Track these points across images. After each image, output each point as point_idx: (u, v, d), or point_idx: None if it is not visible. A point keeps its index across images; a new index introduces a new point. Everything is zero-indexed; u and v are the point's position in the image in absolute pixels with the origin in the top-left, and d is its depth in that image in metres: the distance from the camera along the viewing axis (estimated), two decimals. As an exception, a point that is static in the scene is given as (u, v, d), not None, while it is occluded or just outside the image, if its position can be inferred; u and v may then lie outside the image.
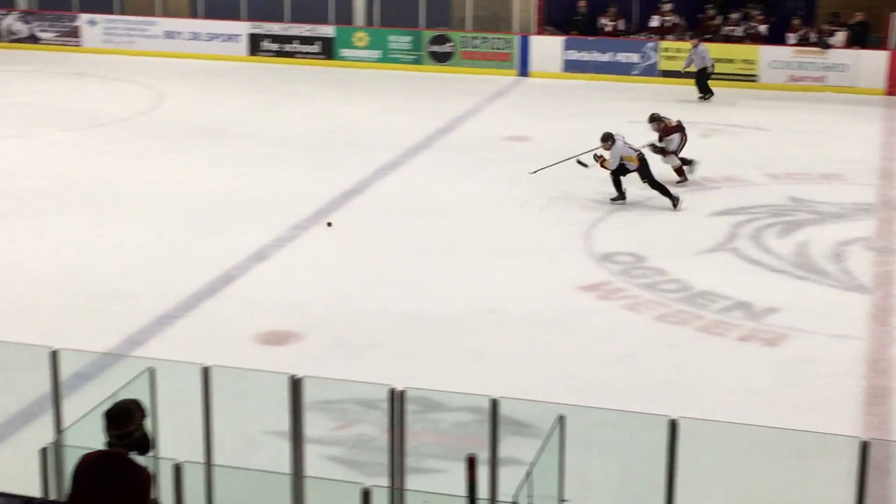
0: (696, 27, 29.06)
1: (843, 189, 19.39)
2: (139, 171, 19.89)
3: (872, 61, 27.71)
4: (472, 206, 18.03)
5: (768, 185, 19.55)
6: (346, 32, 30.86)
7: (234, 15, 31.77)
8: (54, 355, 8.28)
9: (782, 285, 14.90)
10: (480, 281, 14.91)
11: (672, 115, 20.33)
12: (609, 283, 14.82)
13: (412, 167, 20.36)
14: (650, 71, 28.78)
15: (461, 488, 7.24)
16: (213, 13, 32.09)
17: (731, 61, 28.17)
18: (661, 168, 19.01)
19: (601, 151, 18.04)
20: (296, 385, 7.83)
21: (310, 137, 22.57)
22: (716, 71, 26.85)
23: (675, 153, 19.45)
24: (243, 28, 31.32)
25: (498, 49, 29.83)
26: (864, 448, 7.39)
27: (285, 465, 7.96)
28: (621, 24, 29.73)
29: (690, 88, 26.72)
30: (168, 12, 32.67)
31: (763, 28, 28.77)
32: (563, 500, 8.33)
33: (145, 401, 7.03)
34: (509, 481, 7.69)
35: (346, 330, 13.25)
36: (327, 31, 30.92)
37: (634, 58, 28.88)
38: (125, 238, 16.34)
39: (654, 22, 29.50)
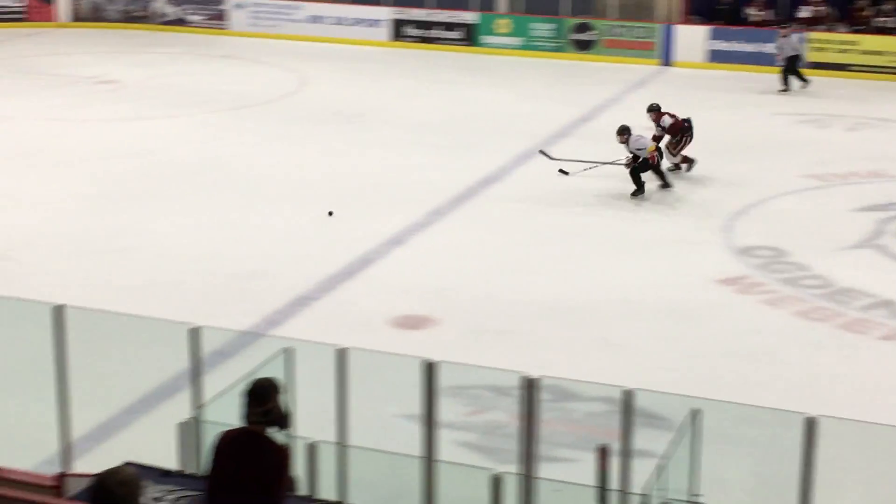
0: (847, 18, 28.39)
1: None
2: (281, 154, 20.16)
3: None
4: (610, 196, 17.89)
5: (917, 181, 19.05)
6: (489, 19, 30.86)
7: (377, 0, 31.95)
8: (195, 332, 8.42)
9: (928, 284, 14.51)
10: (616, 271, 14.80)
11: (822, 108, 19.78)
12: (748, 277, 14.59)
13: (551, 155, 20.28)
14: (797, 62, 28.19)
15: (592, 478, 7.21)
16: (357, -2, 32.38)
17: (880, 53, 27.45)
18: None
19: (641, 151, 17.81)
20: (430, 369, 7.85)
21: (450, 123, 22.64)
22: (865, 63, 26.14)
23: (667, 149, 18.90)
24: (387, 13, 31.51)
25: (641, 38, 29.54)
26: None
27: (416, 448, 7.99)
28: (768, 14, 29.18)
29: (839, 80, 26.09)
30: (313, -3, 33.03)
31: (917, 19, 28.01)
32: (696, 495, 8.22)
33: (281, 380, 7.12)
34: (641, 474, 7.62)
35: (480, 316, 13.27)
36: (470, 17, 30.95)
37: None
38: (266, 219, 16.59)
39: (804, 12, 28.88)
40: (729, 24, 29.09)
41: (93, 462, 7.24)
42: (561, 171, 18.68)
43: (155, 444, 9.13)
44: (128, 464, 6.77)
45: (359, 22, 31.69)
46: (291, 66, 28.25)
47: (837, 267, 14.93)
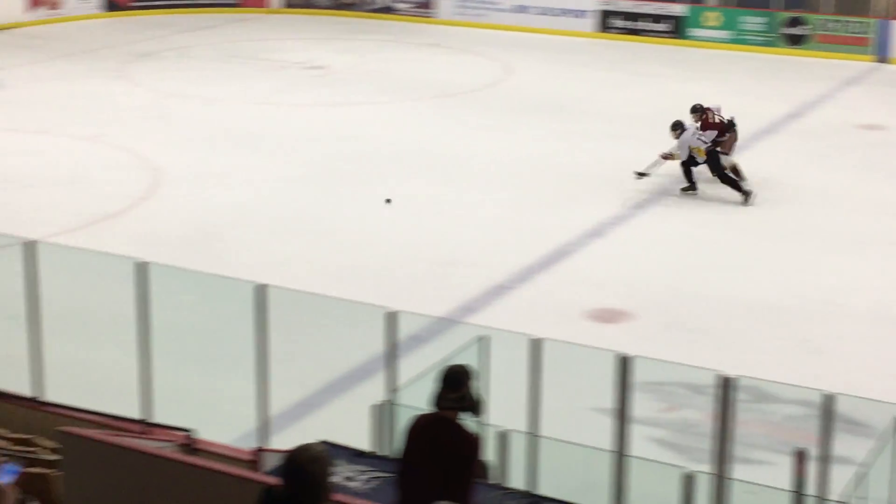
0: None
1: None
2: (483, 143, 20.25)
3: None
4: (817, 195, 17.44)
5: None
6: (698, 12, 30.39)
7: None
8: (392, 317, 8.53)
9: None
10: (821, 271, 14.43)
11: None
12: (961, 283, 14.05)
13: (758, 152, 19.82)
14: None
15: (787, 482, 7.05)
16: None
17: None
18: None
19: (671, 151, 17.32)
20: (624, 364, 7.79)
21: (654, 116, 22.34)
22: None
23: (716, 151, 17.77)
24: (594, 4, 31.32)
25: (855, 33, 28.68)
26: None
27: (608, 442, 7.94)
28: None
29: None
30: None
31: None
32: (897, 506, 7.98)
33: (475, 367, 7.15)
34: (838, 482, 7.42)
35: (678, 312, 13.10)
36: (679, 9, 30.54)
37: None
38: (467, 207, 16.70)
39: None
40: (950, 20, 28.05)
41: (289, 439, 7.38)
42: (640, 173, 17.98)
43: (349, 425, 9.28)
44: (322, 442, 6.89)
45: (565, 12, 31.56)
46: (496, 56, 28.34)
47: None
